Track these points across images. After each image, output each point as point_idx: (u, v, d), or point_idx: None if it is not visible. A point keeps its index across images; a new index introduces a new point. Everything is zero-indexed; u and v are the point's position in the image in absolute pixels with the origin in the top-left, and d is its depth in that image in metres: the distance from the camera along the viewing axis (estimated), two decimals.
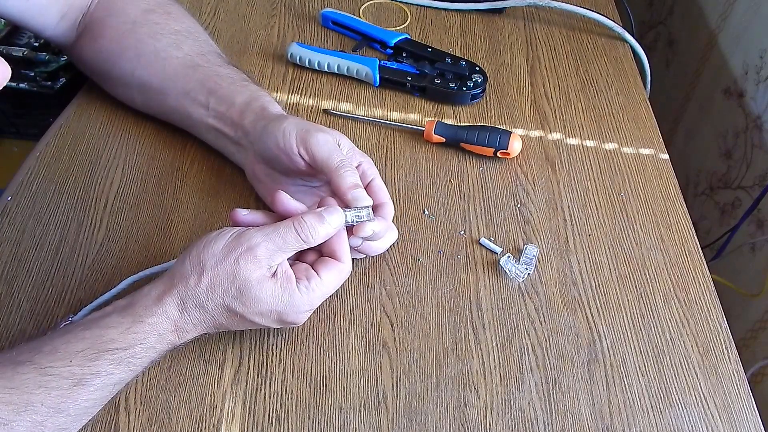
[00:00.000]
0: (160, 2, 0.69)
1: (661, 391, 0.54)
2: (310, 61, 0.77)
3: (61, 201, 0.63)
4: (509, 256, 0.61)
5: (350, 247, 0.53)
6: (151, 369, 0.53)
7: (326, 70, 0.77)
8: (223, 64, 0.66)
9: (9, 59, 1.11)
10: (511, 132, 0.69)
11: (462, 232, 0.64)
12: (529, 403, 0.53)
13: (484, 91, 0.77)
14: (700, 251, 0.64)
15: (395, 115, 0.74)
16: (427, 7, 0.88)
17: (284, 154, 0.56)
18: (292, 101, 0.75)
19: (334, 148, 0.55)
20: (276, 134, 0.57)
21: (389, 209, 0.58)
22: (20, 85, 1.13)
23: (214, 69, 0.65)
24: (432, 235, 0.63)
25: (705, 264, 0.63)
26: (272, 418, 0.51)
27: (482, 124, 0.73)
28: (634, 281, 0.61)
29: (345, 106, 0.75)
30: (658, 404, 0.53)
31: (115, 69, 0.68)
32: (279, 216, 0.53)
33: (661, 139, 0.75)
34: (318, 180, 0.60)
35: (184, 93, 0.64)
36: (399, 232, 0.60)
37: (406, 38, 0.81)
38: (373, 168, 0.59)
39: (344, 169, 0.54)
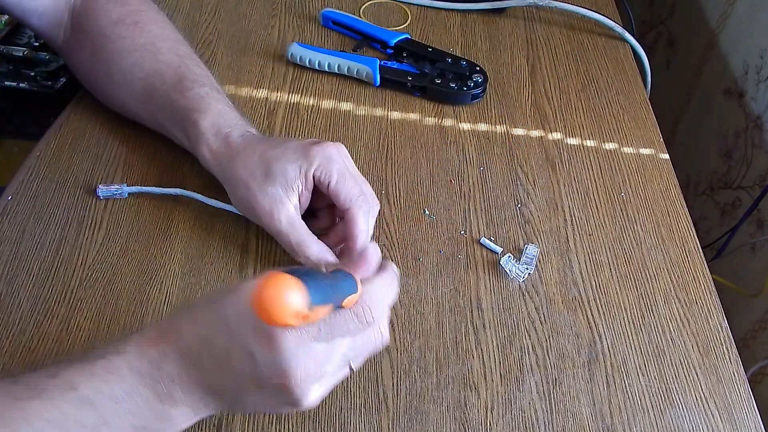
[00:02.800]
0: (132, 9, 0.66)
1: (662, 391, 0.54)
2: (310, 61, 0.77)
3: (61, 200, 0.63)
4: (510, 256, 0.61)
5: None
6: None
7: (326, 70, 0.77)
8: (175, 84, 0.62)
9: (9, 59, 1.10)
10: None
11: (462, 232, 0.64)
12: (529, 403, 0.53)
13: (484, 91, 0.76)
14: (701, 251, 0.64)
15: (395, 115, 0.74)
16: (427, 7, 0.88)
17: None
18: (292, 101, 0.75)
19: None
20: (234, 199, 0.58)
21: (366, 254, 0.47)
22: (20, 84, 1.12)
23: (167, 95, 0.62)
24: (432, 235, 0.63)
25: (705, 264, 0.63)
26: (272, 417, 0.51)
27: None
28: (635, 281, 0.61)
29: (345, 106, 0.75)
30: (658, 404, 0.53)
31: (96, 83, 0.68)
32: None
33: (662, 139, 0.75)
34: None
35: (153, 118, 0.65)
36: (399, 232, 0.60)
37: (407, 38, 0.81)
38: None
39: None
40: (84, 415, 0.39)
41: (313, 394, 0.42)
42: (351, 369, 0.44)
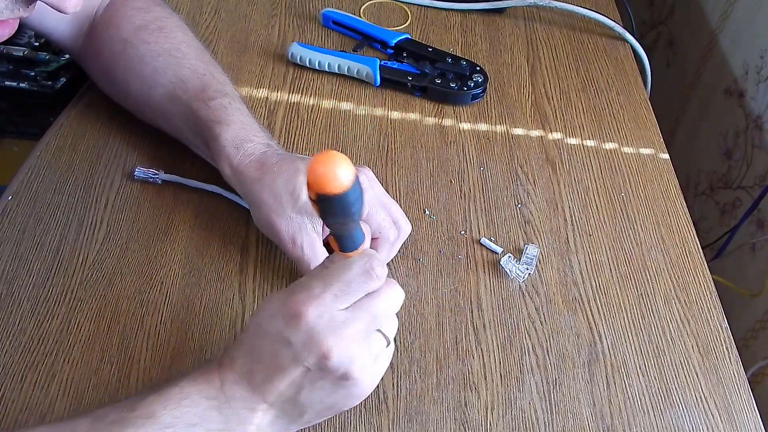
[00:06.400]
0: (157, 15, 0.66)
1: (662, 391, 0.54)
2: (310, 60, 0.77)
3: (61, 200, 0.63)
4: (510, 256, 0.61)
5: None
6: (152, 369, 0.53)
7: (327, 70, 0.77)
8: (198, 93, 0.61)
9: (9, 59, 1.10)
10: None
11: (462, 232, 0.64)
12: (529, 403, 0.53)
13: (484, 91, 0.76)
14: (701, 251, 0.64)
15: (395, 115, 0.74)
16: (427, 6, 0.88)
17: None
18: (292, 101, 0.75)
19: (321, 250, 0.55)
20: (255, 218, 0.57)
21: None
22: (20, 84, 1.13)
23: (189, 104, 0.61)
24: (432, 235, 0.63)
25: (705, 264, 0.63)
26: None
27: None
28: (635, 281, 0.61)
29: (345, 106, 0.75)
30: (658, 404, 0.53)
31: (113, 88, 0.68)
32: None
33: (662, 139, 0.75)
34: None
35: (172, 127, 0.64)
36: None
37: (407, 38, 0.81)
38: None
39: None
40: None
41: (358, 363, 0.42)
42: (387, 339, 0.45)
